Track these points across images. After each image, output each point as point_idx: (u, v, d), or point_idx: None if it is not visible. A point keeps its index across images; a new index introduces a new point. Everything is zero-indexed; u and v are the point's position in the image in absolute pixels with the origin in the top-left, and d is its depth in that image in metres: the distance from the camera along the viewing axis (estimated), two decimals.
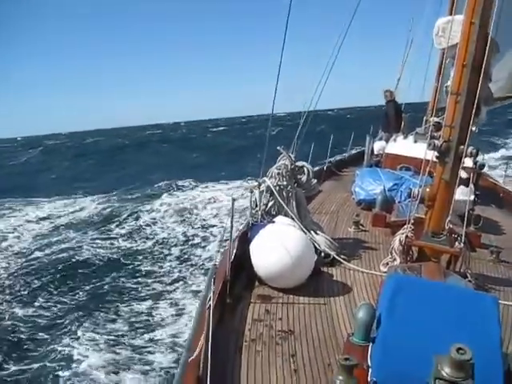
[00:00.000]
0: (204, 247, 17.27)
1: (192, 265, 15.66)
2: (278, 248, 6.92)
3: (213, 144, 68.17)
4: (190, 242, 18.21)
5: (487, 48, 7.09)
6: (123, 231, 20.93)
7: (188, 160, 49.24)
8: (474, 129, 7.44)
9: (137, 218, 22.64)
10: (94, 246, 18.68)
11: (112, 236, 20.23)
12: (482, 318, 4.89)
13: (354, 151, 18.90)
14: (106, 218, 23.68)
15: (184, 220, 21.39)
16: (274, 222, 7.48)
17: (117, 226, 21.91)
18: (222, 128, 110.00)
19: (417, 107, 19.04)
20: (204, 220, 20.73)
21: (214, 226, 19.53)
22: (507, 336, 6.74)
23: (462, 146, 7.23)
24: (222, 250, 9.56)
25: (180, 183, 31.07)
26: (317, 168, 15.00)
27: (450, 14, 8.44)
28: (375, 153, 15.05)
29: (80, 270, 16.18)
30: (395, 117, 16.35)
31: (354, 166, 15.40)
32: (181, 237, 19.08)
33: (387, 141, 15.30)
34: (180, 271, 15.21)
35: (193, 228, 19.99)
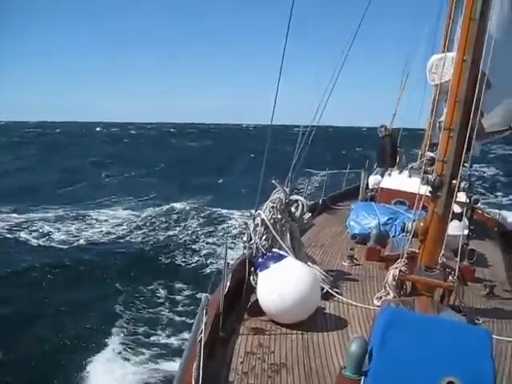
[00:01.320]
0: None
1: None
2: (282, 282, 6.92)
3: None
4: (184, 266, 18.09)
5: (477, 84, 7.21)
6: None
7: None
8: (466, 164, 7.54)
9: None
10: None
11: None
12: (474, 352, 4.89)
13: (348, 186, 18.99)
14: None
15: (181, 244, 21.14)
16: (268, 256, 7.47)
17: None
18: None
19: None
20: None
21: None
22: (500, 369, 6.73)
23: (454, 181, 7.30)
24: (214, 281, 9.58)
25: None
26: (312, 202, 15.07)
27: (444, 51, 8.60)
28: (370, 187, 15.11)
29: None
30: (391, 151, 16.53)
31: (349, 200, 15.43)
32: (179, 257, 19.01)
33: (382, 175, 15.38)
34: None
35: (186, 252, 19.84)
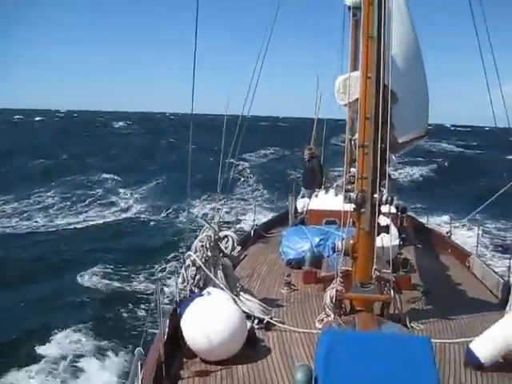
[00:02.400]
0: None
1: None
2: (209, 321, 6.85)
3: None
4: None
5: (382, 99, 7.43)
6: None
7: None
8: (387, 176, 7.71)
9: None
10: None
11: None
12: (417, 361, 4.95)
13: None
14: None
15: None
16: (202, 295, 7.39)
17: None
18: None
19: None
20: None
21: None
22: (446, 372, 6.84)
23: (375, 195, 7.44)
24: (149, 331, 9.33)
25: None
26: (244, 233, 15.07)
27: (351, 70, 8.81)
28: (299, 211, 15.20)
29: None
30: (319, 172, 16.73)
31: (280, 227, 15.45)
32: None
33: (310, 197, 15.50)
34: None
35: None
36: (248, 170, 47.20)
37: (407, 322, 8.09)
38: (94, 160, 51.45)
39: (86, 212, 30.78)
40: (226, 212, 20.18)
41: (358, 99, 7.90)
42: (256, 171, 46.95)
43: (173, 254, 19.91)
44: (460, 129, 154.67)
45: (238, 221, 15.25)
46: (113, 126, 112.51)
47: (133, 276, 18.20)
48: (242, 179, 42.34)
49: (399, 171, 42.23)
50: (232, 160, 10.66)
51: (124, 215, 30.18)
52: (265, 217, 21.22)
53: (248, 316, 7.93)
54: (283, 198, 19.27)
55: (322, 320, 7.96)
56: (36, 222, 27.94)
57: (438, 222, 23.01)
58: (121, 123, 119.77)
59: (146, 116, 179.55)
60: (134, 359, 5.34)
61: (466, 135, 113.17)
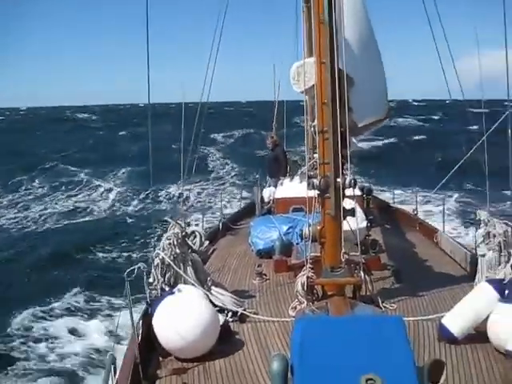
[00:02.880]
0: None
1: None
2: (180, 318, 6.82)
3: None
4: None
5: (338, 83, 7.45)
6: None
7: None
8: (348, 160, 7.75)
9: None
10: None
11: None
12: (390, 341, 4.98)
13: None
14: None
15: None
16: (173, 292, 7.34)
17: None
18: None
19: None
20: None
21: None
22: (421, 348, 6.94)
23: (338, 179, 7.47)
24: (122, 334, 9.26)
25: None
26: (212, 226, 15.03)
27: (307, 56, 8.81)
28: (266, 200, 15.19)
29: None
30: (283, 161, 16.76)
31: (248, 218, 15.43)
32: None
33: (276, 186, 15.50)
34: None
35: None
36: (215, 155, 47.13)
37: (380, 303, 8.17)
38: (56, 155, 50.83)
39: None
40: (195, 198, 20.17)
41: (314, 85, 7.92)
42: (223, 155, 46.97)
43: (141, 254, 19.84)
44: (420, 103, 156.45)
45: (206, 213, 15.18)
46: (75, 120, 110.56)
47: (100, 279, 18.04)
48: (210, 164, 42.13)
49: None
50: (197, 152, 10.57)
51: (88, 214, 29.68)
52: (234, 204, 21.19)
53: (221, 310, 7.91)
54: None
55: (295, 308, 7.99)
56: None
57: (404, 199, 23.29)
58: (85, 115, 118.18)
59: (110, 108, 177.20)
60: (106, 364, 5.27)
61: (425, 109, 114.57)
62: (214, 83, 10.18)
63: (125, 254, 20.66)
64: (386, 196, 21.27)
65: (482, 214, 8.20)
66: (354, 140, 10.06)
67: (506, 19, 7.68)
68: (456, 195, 27.64)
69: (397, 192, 22.69)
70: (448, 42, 9.64)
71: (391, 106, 11.33)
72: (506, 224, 7.91)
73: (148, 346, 6.96)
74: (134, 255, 20.26)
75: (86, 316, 15.12)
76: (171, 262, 7.73)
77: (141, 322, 7.15)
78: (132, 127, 75.84)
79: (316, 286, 8.00)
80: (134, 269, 6.37)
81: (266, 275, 10.00)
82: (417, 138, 58.39)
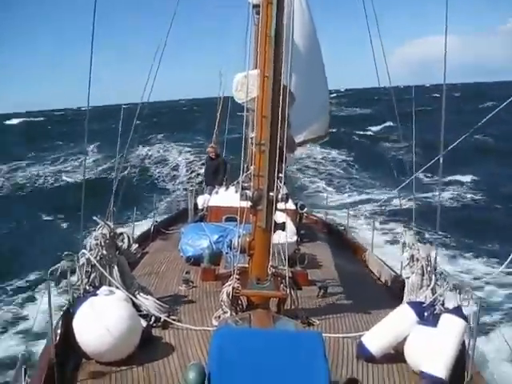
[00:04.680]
0: None
1: None
2: (101, 321, 6.69)
3: None
4: None
5: (279, 98, 7.52)
6: None
7: None
8: (281, 175, 7.82)
9: None
10: None
11: None
12: (308, 357, 5.05)
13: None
14: None
15: None
16: (96, 294, 7.22)
17: None
18: None
19: None
20: None
21: None
22: (339, 365, 7.05)
23: (271, 193, 7.53)
24: (39, 332, 9.00)
25: None
26: (144, 230, 14.86)
27: (253, 68, 8.86)
28: (199, 207, 15.19)
29: None
30: (223, 170, 16.88)
31: (180, 223, 15.36)
32: None
33: (211, 194, 15.52)
34: None
35: None
36: (152, 156, 46.53)
37: (303, 318, 8.25)
38: None
39: None
40: (126, 205, 19.81)
41: (255, 98, 7.97)
42: (161, 158, 46.38)
43: (66, 252, 19.25)
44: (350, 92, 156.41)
45: (138, 217, 14.98)
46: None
47: (20, 275, 17.49)
48: (145, 169, 41.40)
49: None
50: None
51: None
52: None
53: (145, 315, 7.85)
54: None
55: (219, 317, 7.98)
56: None
57: (336, 216, 23.56)
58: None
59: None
60: (17, 364, 5.12)
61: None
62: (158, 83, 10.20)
63: (51, 252, 20.12)
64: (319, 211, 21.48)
65: (408, 237, 8.40)
66: (291, 155, 10.16)
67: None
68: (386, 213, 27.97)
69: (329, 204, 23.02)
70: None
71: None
72: (429, 249, 8.12)
73: (67, 347, 6.81)
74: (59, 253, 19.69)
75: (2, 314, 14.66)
76: (97, 263, 7.61)
77: (60, 321, 7.00)
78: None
79: (241, 297, 8.01)
80: (58, 267, 6.24)
81: (193, 282, 9.97)
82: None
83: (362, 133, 56.07)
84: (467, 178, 33.09)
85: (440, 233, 18.14)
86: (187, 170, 39.72)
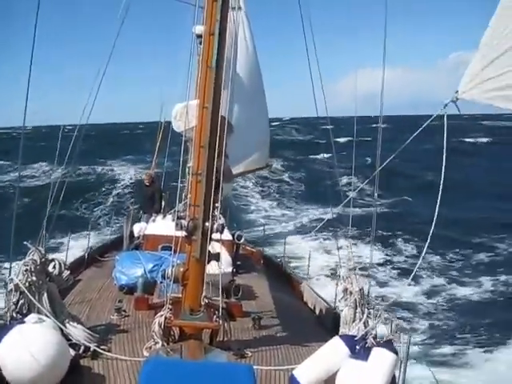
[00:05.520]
0: None
1: None
2: (27, 349, 6.46)
3: None
4: None
5: (218, 129, 7.59)
6: None
7: None
8: (218, 205, 7.84)
9: None
10: None
11: None
12: None
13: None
14: None
15: None
16: (24, 322, 7.00)
17: None
18: None
19: None
20: None
21: None
22: None
23: (207, 224, 7.53)
24: None
25: None
26: (78, 256, 14.55)
27: (194, 98, 8.91)
28: (136, 235, 14.98)
29: None
30: (158, 197, 16.80)
31: (116, 251, 15.11)
32: None
33: (147, 222, 15.38)
34: None
35: None
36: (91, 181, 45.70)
37: (236, 350, 8.22)
38: None
39: None
40: (59, 232, 19.39)
41: (194, 128, 8.01)
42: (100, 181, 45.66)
43: None
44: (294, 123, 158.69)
45: (72, 243, 14.69)
46: None
47: None
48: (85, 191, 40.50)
49: None
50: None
51: None
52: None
53: (74, 344, 7.65)
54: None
55: (150, 347, 7.86)
56: None
57: (274, 249, 23.66)
58: None
59: None
60: None
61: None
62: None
63: None
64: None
65: (342, 271, 8.52)
66: (228, 185, 10.22)
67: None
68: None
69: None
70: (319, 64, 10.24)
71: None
72: (362, 282, 8.24)
73: None
74: None
75: None
76: (25, 289, 7.39)
77: None
78: None
79: (174, 328, 7.93)
80: None
81: (125, 311, 9.79)
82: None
83: (302, 157, 57.58)
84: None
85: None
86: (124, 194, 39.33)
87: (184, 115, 8.23)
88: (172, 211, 14.65)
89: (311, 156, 54.19)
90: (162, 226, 13.65)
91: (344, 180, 26.11)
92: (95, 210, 36.15)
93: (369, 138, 35.72)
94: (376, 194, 8.30)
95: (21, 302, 7.47)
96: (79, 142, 9.86)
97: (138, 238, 14.73)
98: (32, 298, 7.47)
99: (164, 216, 14.94)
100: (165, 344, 7.70)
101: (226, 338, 8.22)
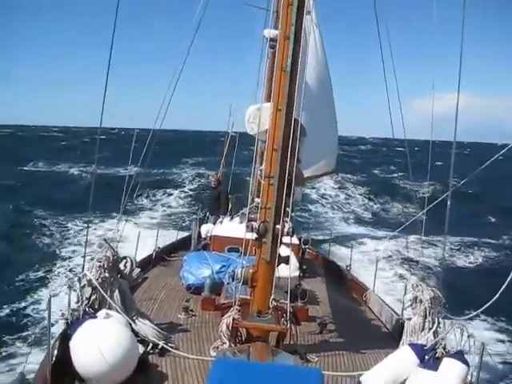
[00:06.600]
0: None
1: None
2: (98, 344, 6.61)
3: None
4: None
5: (291, 132, 7.57)
6: None
7: None
8: (288, 209, 7.82)
9: None
10: None
11: None
12: None
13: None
14: None
15: None
16: (96, 316, 7.16)
17: None
18: None
19: None
20: None
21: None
22: None
23: (278, 226, 7.52)
24: (37, 354, 8.91)
25: None
26: (146, 255, 14.80)
27: (266, 101, 8.94)
28: (203, 236, 15.14)
29: None
30: (224, 199, 16.96)
31: (183, 251, 15.30)
32: None
33: (215, 223, 15.51)
34: None
35: None
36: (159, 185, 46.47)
37: (302, 354, 8.18)
38: None
39: None
40: (130, 230, 19.76)
41: (267, 130, 8.02)
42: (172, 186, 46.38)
43: (68, 273, 19.19)
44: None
45: (141, 242, 14.85)
46: None
47: (22, 293, 17.31)
48: (150, 197, 41.27)
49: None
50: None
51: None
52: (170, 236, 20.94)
53: (142, 340, 7.78)
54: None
55: (217, 348, 7.91)
56: None
57: (340, 254, 23.44)
58: None
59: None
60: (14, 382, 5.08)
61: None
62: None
63: (52, 271, 20.04)
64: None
65: (412, 279, 8.36)
66: (298, 189, 10.19)
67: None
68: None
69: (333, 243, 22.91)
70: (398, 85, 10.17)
71: None
72: (433, 291, 8.07)
73: (62, 368, 6.73)
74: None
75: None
76: (98, 285, 7.55)
77: (57, 343, 6.93)
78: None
79: (241, 329, 7.95)
80: (59, 287, 6.20)
81: (192, 311, 9.90)
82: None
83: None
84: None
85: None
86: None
87: (257, 118, 8.24)
88: (239, 213, 14.76)
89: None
90: (229, 227, 13.76)
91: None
92: (164, 209, 36.73)
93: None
94: (449, 202, 8.07)
95: (93, 297, 7.64)
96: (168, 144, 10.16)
97: (205, 238, 14.87)
98: (104, 294, 7.64)
99: (231, 218, 15.03)
100: (232, 345, 7.73)
101: (292, 342, 8.20)
